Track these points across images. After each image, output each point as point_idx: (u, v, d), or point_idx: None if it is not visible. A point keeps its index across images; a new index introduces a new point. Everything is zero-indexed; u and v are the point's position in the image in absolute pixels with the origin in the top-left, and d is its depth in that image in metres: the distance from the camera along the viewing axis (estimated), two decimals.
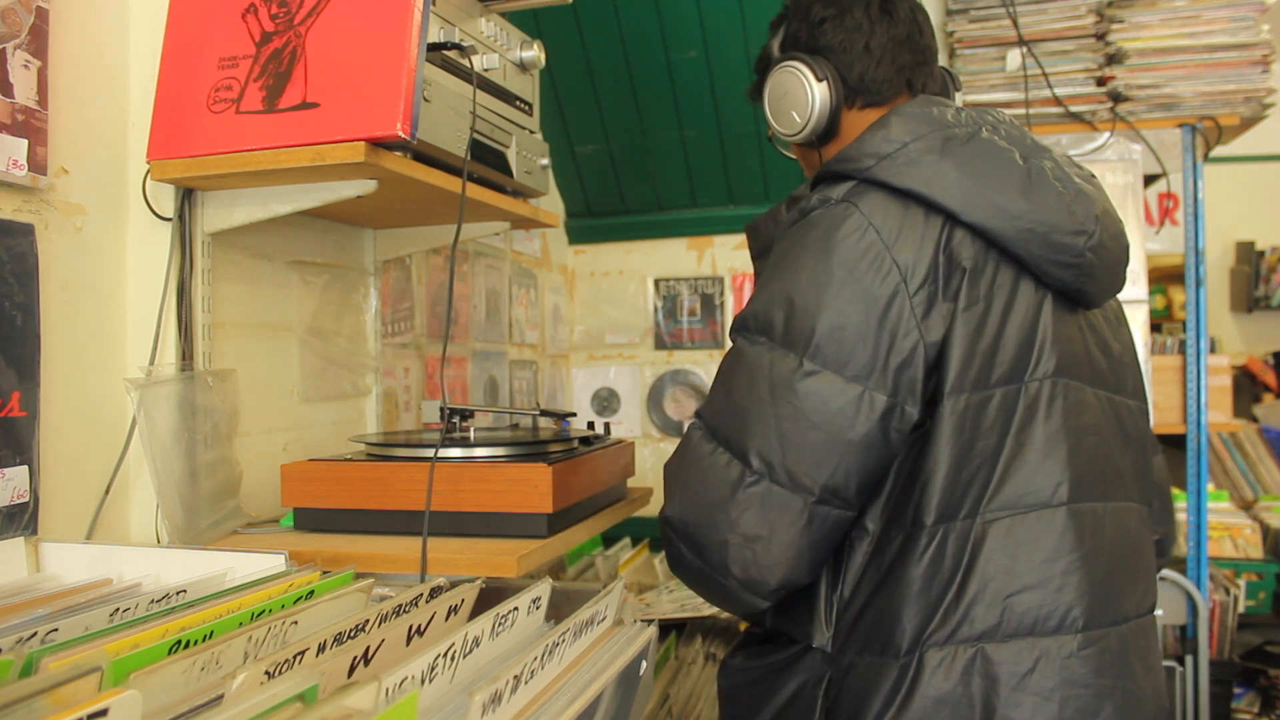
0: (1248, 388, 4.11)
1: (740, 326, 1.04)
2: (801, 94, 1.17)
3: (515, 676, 0.71)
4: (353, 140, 1.08)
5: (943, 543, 0.96)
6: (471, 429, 1.33)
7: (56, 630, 0.79)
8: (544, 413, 1.39)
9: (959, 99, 1.27)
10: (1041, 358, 1.00)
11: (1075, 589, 0.95)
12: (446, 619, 0.85)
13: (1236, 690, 2.66)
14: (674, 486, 1.04)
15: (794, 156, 1.33)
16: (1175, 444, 2.47)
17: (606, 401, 2.93)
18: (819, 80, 1.16)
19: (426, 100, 1.17)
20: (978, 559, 0.95)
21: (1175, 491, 2.86)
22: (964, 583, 0.95)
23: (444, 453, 1.20)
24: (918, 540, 0.97)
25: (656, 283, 2.92)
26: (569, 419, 1.40)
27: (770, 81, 1.22)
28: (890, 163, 1.00)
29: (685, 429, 1.07)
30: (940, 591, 0.95)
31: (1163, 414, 2.43)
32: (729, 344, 1.07)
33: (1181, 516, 2.49)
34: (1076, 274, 1.02)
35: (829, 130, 1.18)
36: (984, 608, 0.95)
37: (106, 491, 1.15)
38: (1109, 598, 0.98)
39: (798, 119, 1.18)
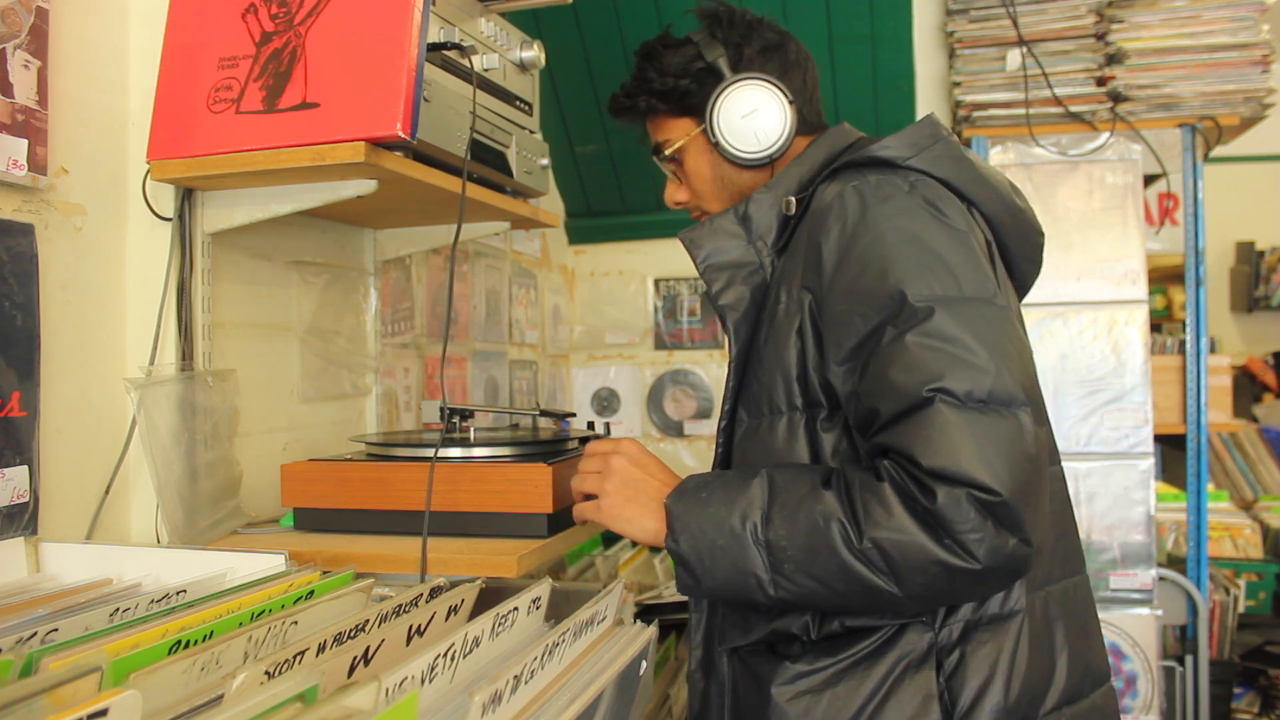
0: (1248, 388, 4.11)
1: (911, 316, 0.89)
2: (777, 113, 1.14)
3: (515, 676, 0.71)
4: (353, 140, 1.08)
5: None
6: (471, 429, 1.33)
7: (56, 630, 0.79)
8: (544, 413, 1.39)
9: None
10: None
11: None
12: (446, 619, 0.85)
13: (1236, 690, 2.66)
14: (976, 448, 0.82)
15: (699, 173, 1.22)
16: (1175, 444, 2.47)
17: (606, 401, 2.93)
18: (791, 103, 1.14)
19: (426, 100, 1.17)
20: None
21: (1176, 491, 2.88)
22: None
23: (444, 453, 1.20)
24: None
25: (656, 283, 2.92)
26: (569, 419, 1.40)
27: (730, 95, 1.15)
28: (929, 154, 1.01)
29: (925, 406, 0.86)
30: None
31: (1163, 414, 2.43)
32: (860, 323, 0.92)
33: (1181, 516, 2.49)
34: (1033, 270, 1.11)
35: (782, 152, 1.15)
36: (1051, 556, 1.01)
37: (106, 491, 1.15)
38: None
39: (770, 136, 1.14)
